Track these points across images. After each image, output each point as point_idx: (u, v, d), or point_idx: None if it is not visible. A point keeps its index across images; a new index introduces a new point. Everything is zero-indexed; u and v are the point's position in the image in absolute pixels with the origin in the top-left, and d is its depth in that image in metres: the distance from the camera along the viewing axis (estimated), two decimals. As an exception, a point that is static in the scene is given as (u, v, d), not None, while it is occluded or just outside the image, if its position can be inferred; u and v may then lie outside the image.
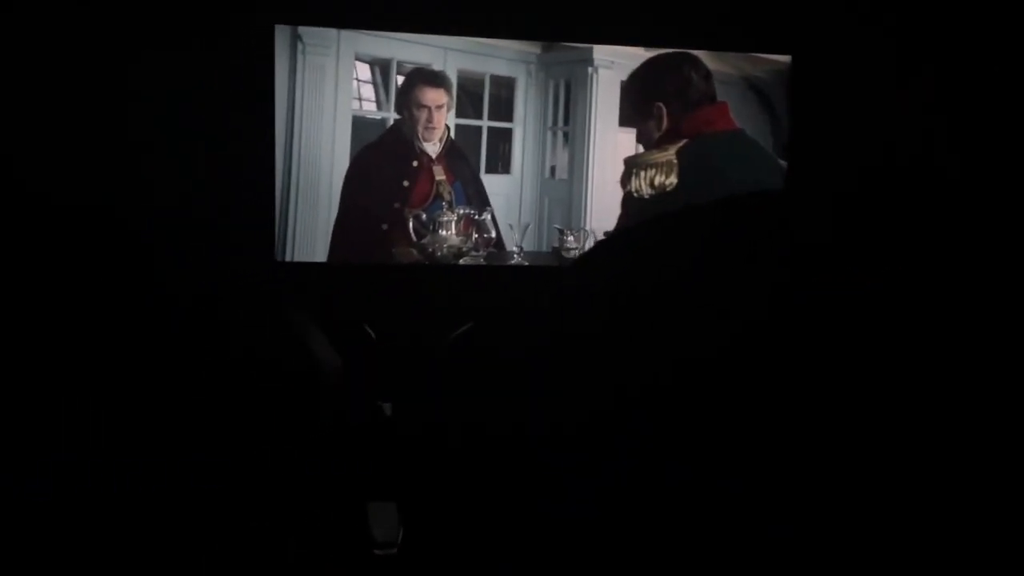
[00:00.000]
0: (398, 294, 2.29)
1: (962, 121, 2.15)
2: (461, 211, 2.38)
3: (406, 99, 2.33)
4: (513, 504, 0.67)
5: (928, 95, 2.21)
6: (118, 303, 0.70)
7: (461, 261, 2.38)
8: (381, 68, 2.33)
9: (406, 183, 2.35)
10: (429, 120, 2.34)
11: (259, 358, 0.73)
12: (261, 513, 0.70)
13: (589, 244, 2.44)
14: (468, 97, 2.37)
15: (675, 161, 2.40)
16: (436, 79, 2.34)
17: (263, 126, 2.21)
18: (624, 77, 2.41)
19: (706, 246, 0.65)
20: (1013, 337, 0.58)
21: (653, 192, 2.41)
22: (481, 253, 2.40)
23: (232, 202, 2.18)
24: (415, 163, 2.35)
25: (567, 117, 2.44)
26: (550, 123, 2.44)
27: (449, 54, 2.35)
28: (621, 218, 2.44)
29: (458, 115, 2.37)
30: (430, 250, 2.36)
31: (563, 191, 2.46)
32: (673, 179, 2.40)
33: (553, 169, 2.46)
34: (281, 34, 2.21)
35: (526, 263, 2.44)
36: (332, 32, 2.26)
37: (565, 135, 2.45)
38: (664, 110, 2.40)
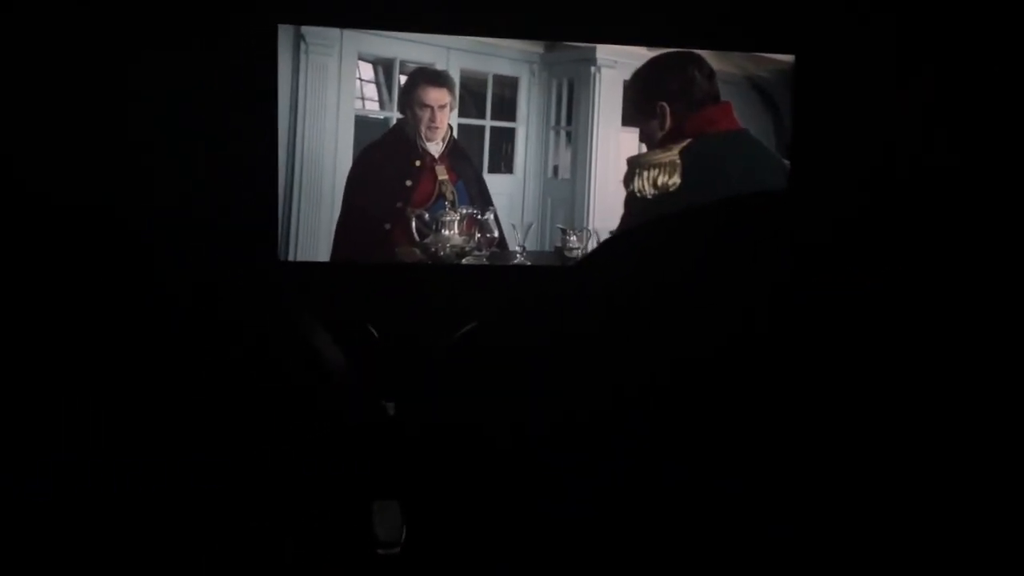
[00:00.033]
0: (401, 294, 2.29)
1: (964, 121, 2.14)
2: (464, 211, 2.38)
3: (409, 99, 2.33)
4: (512, 504, 0.67)
5: (931, 95, 2.21)
6: (121, 303, 0.70)
7: (464, 261, 2.38)
8: (384, 68, 2.33)
9: (409, 183, 2.35)
10: (432, 120, 2.34)
11: (262, 358, 0.73)
12: (261, 513, 0.70)
13: (592, 244, 2.44)
14: (471, 97, 2.37)
15: (678, 161, 2.40)
16: (439, 79, 2.34)
17: (266, 125, 2.21)
18: (627, 76, 2.41)
19: (709, 246, 0.65)
20: (1012, 337, 0.58)
21: (656, 192, 2.41)
22: (484, 253, 2.40)
23: (235, 201, 2.18)
24: (418, 163, 2.35)
25: (570, 117, 2.44)
26: (553, 123, 2.44)
27: (452, 53, 2.35)
28: (624, 218, 2.44)
29: (461, 115, 2.37)
30: (433, 250, 2.36)
31: (566, 191, 2.46)
32: (676, 179, 2.40)
33: (556, 169, 2.46)
34: (284, 34, 2.21)
35: (529, 263, 2.44)
36: (335, 32, 2.26)
37: (568, 135, 2.45)
38: (667, 110, 2.40)
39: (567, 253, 2.43)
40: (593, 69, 2.40)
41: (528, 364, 0.68)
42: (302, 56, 2.23)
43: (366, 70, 2.32)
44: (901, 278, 0.60)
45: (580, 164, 2.44)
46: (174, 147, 2.15)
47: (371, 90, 2.34)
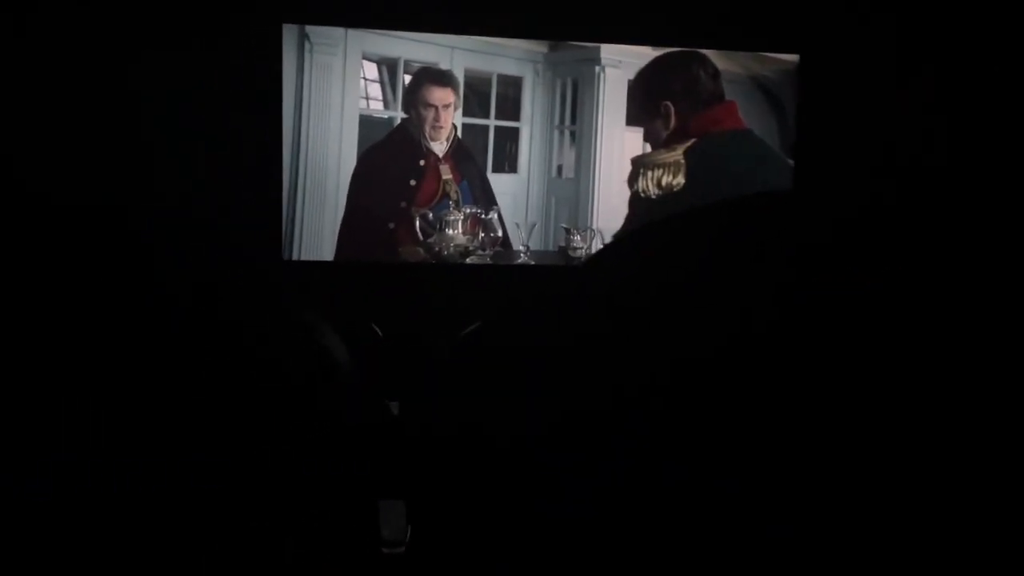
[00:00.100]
0: (404, 293, 2.29)
1: (968, 121, 2.14)
2: (468, 210, 2.38)
3: (413, 98, 2.33)
4: (514, 504, 0.67)
5: (935, 95, 2.20)
6: (124, 302, 0.70)
7: (467, 260, 2.38)
8: (388, 67, 2.33)
9: (413, 182, 2.35)
10: (436, 119, 2.34)
11: (270, 356, 0.73)
12: (261, 513, 0.70)
13: (596, 243, 2.43)
14: (475, 96, 2.37)
15: (682, 161, 2.39)
16: (443, 78, 2.34)
17: (271, 125, 2.21)
18: (631, 76, 2.41)
19: (712, 247, 0.65)
20: (1012, 337, 0.57)
21: (660, 192, 2.40)
22: (487, 252, 2.40)
23: (239, 201, 2.18)
24: (422, 162, 2.35)
25: (574, 116, 2.43)
26: (557, 122, 2.43)
27: (456, 53, 2.34)
28: (628, 218, 2.43)
29: (465, 114, 2.37)
30: (436, 249, 2.35)
31: (570, 190, 2.45)
32: (680, 179, 2.40)
33: (560, 168, 2.45)
34: (289, 33, 2.21)
35: (532, 262, 2.44)
36: (339, 31, 2.26)
37: (572, 134, 2.44)
38: (672, 109, 2.39)
39: (571, 253, 2.42)
40: (597, 68, 2.40)
41: (531, 364, 0.68)
42: (306, 55, 2.23)
43: (370, 69, 2.32)
44: (901, 278, 0.60)
45: (584, 163, 2.44)
46: (179, 146, 2.15)
47: (375, 89, 2.34)
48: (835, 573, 0.59)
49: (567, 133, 2.45)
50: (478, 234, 2.39)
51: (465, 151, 2.39)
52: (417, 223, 2.35)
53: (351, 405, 0.79)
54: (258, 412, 0.71)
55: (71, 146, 2.08)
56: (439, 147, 2.36)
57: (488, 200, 2.41)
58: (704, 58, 2.38)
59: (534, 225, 2.44)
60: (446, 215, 2.36)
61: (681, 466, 0.60)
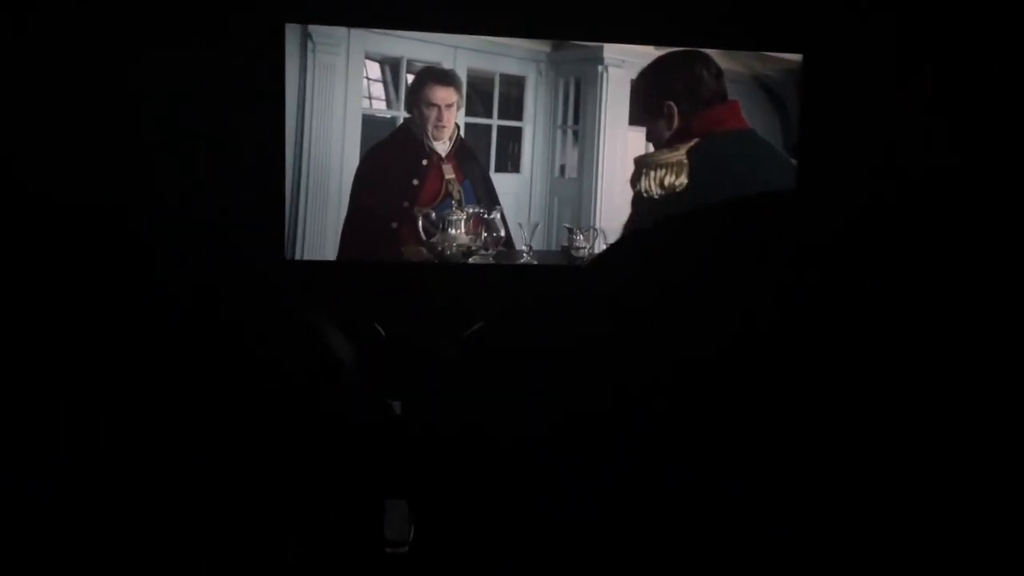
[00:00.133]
0: (407, 292, 2.29)
1: (972, 121, 2.13)
2: (470, 210, 2.38)
3: (416, 98, 2.33)
4: (517, 504, 0.67)
5: (938, 95, 2.20)
6: (127, 302, 0.70)
7: (470, 260, 2.38)
8: (391, 67, 2.33)
9: (415, 182, 2.35)
10: (439, 119, 2.34)
11: (274, 355, 0.73)
12: (262, 513, 0.70)
13: (599, 243, 2.43)
14: (478, 96, 2.37)
15: (685, 161, 2.39)
16: (446, 78, 2.34)
17: (273, 125, 2.21)
18: (634, 76, 2.40)
19: (716, 247, 0.65)
20: (1012, 337, 0.57)
21: (663, 192, 2.40)
22: (490, 252, 2.40)
23: (242, 201, 2.18)
24: (424, 162, 2.35)
25: (577, 116, 2.43)
26: (560, 122, 2.43)
27: (459, 53, 2.34)
28: (631, 217, 2.43)
29: (468, 114, 2.37)
30: (439, 249, 2.35)
31: (573, 190, 2.45)
32: (683, 179, 2.39)
33: (563, 168, 2.45)
34: (291, 33, 2.21)
35: (535, 262, 2.43)
36: (342, 31, 2.26)
37: (575, 134, 2.44)
38: (675, 109, 2.39)
39: (574, 252, 2.42)
40: (600, 68, 2.40)
41: (535, 364, 0.68)
42: (309, 55, 2.23)
43: (373, 69, 2.32)
44: (902, 278, 0.60)
45: (587, 163, 2.43)
46: (182, 146, 2.15)
47: (378, 89, 2.34)
48: (838, 574, 0.58)
49: (570, 133, 2.44)
50: (481, 234, 2.39)
51: (468, 151, 2.38)
52: (420, 223, 2.35)
53: (354, 404, 0.79)
54: (260, 411, 0.71)
55: (74, 147, 2.08)
56: (442, 147, 2.36)
57: (491, 200, 2.41)
58: (707, 58, 2.38)
59: (537, 225, 2.44)
60: (449, 215, 2.36)
61: (684, 466, 0.60)
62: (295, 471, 0.72)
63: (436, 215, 2.36)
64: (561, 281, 0.79)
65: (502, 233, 2.41)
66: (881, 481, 0.57)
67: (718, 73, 2.38)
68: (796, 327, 0.60)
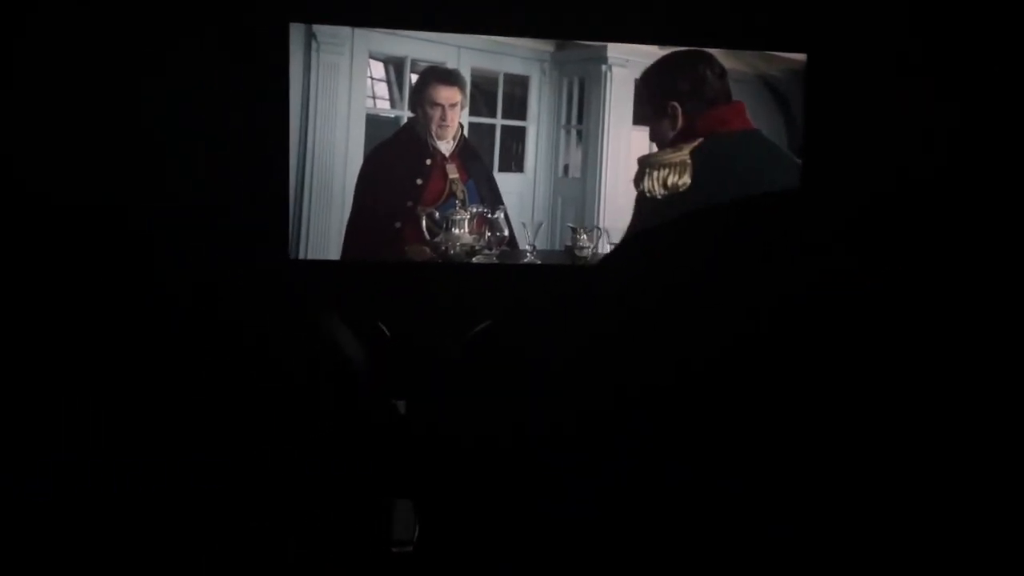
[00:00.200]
0: (410, 292, 2.29)
1: (978, 122, 2.13)
2: (474, 209, 2.38)
3: (420, 97, 2.33)
4: (519, 504, 0.67)
5: (943, 95, 2.19)
6: (130, 301, 0.70)
7: (474, 259, 2.38)
8: (395, 66, 2.33)
9: (419, 181, 2.35)
10: (443, 118, 2.34)
11: (278, 354, 0.73)
12: (262, 513, 0.70)
13: (602, 243, 2.43)
14: (482, 95, 2.37)
15: (688, 161, 2.39)
16: (450, 77, 2.34)
17: (277, 124, 2.21)
18: (638, 75, 2.40)
19: (719, 247, 0.65)
20: (1014, 338, 0.57)
21: (666, 192, 2.40)
22: (494, 251, 2.40)
23: (246, 200, 2.19)
24: (428, 161, 2.35)
25: (581, 115, 2.43)
26: (564, 121, 2.43)
27: (463, 52, 2.34)
28: (634, 218, 2.43)
29: (472, 113, 2.37)
30: (443, 248, 2.35)
31: (576, 190, 2.45)
32: (686, 179, 2.39)
33: (566, 168, 2.45)
34: (295, 32, 2.21)
35: (539, 262, 2.43)
36: (346, 30, 2.26)
37: (579, 133, 2.44)
38: (679, 109, 2.39)
39: (577, 252, 2.42)
40: (604, 68, 2.39)
41: (539, 365, 0.68)
42: (313, 55, 2.23)
43: (377, 69, 2.32)
44: (907, 279, 0.59)
45: (591, 163, 2.43)
46: (186, 146, 2.16)
47: (382, 88, 2.34)
48: (838, 574, 0.58)
49: (574, 132, 2.44)
50: (484, 233, 2.39)
51: (471, 150, 2.39)
52: (423, 222, 2.35)
53: (364, 404, 0.79)
54: (267, 410, 0.71)
55: (78, 147, 2.08)
56: (445, 146, 2.36)
57: (494, 199, 2.41)
58: (711, 58, 2.38)
59: (540, 224, 2.44)
60: (452, 214, 2.36)
61: (684, 466, 0.60)
62: (298, 470, 0.72)
63: (440, 215, 2.36)
64: (566, 282, 0.79)
65: (506, 233, 2.41)
66: (882, 481, 0.57)
67: (722, 73, 2.38)
68: (799, 327, 0.59)
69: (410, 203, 2.35)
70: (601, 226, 2.43)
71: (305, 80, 2.23)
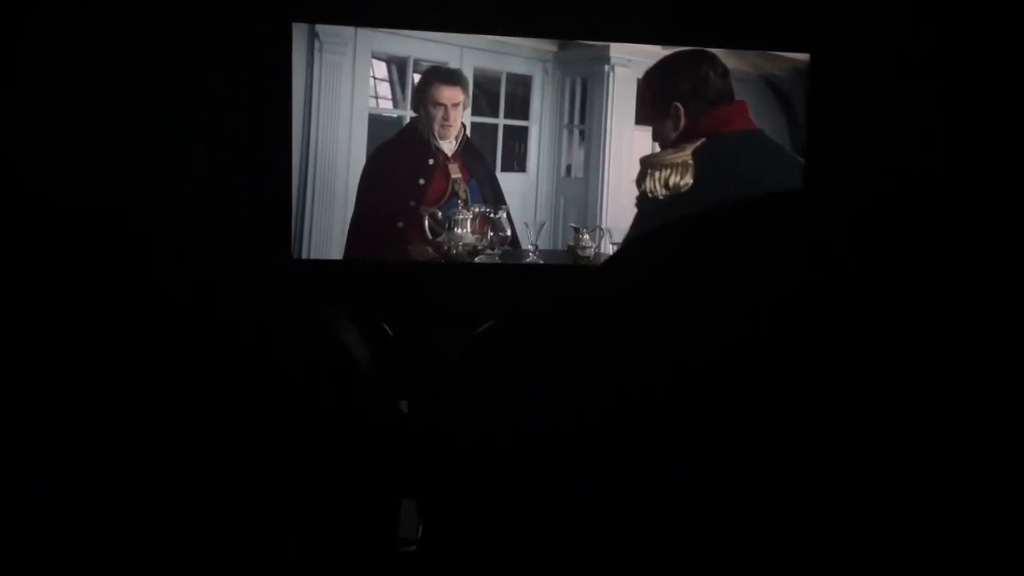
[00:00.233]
0: (413, 291, 2.29)
1: (980, 122, 2.12)
2: (477, 209, 2.38)
3: (422, 97, 2.33)
4: (520, 504, 0.67)
5: (946, 95, 2.19)
6: (132, 301, 0.70)
7: (476, 259, 2.38)
8: (398, 66, 2.33)
9: (422, 181, 2.35)
10: (445, 118, 2.34)
11: (279, 355, 0.73)
12: (262, 513, 0.70)
13: (605, 243, 2.43)
14: (484, 95, 2.37)
15: (691, 162, 2.38)
16: (452, 77, 2.34)
17: (280, 124, 2.21)
18: (641, 75, 2.40)
19: (721, 248, 0.65)
20: (1014, 338, 0.57)
21: (668, 193, 2.40)
22: (496, 251, 2.40)
23: (249, 200, 2.19)
24: (431, 161, 2.35)
25: (583, 115, 2.43)
26: (566, 121, 2.43)
27: (465, 52, 2.34)
28: (636, 218, 2.43)
29: (474, 113, 2.37)
30: (445, 248, 2.35)
31: (579, 189, 2.45)
32: (688, 180, 2.39)
33: (569, 167, 2.45)
34: (298, 32, 2.21)
35: (541, 261, 2.43)
36: (349, 30, 2.26)
37: (581, 133, 2.44)
38: (681, 109, 2.38)
39: (580, 252, 2.42)
40: (607, 67, 2.39)
41: (541, 365, 0.68)
42: (316, 54, 2.23)
43: (380, 68, 2.32)
44: (902, 278, 0.59)
45: (593, 163, 2.43)
46: (188, 145, 2.16)
47: (385, 88, 2.34)
48: (838, 574, 0.58)
49: (576, 132, 2.44)
50: (487, 233, 2.39)
51: (474, 150, 2.38)
52: (426, 222, 2.35)
53: (370, 403, 0.79)
54: (266, 410, 0.71)
55: (81, 147, 2.08)
56: (448, 146, 2.36)
57: (497, 199, 2.41)
58: (713, 57, 2.37)
59: (543, 224, 2.44)
60: (455, 214, 2.36)
61: (684, 466, 0.60)
62: (300, 470, 0.72)
63: (442, 214, 2.36)
64: (568, 282, 0.79)
65: (508, 232, 2.41)
66: (882, 481, 0.57)
67: (724, 73, 2.38)
68: (800, 328, 0.59)
69: (413, 203, 2.35)
70: (603, 226, 2.43)
71: (308, 80, 2.23)
